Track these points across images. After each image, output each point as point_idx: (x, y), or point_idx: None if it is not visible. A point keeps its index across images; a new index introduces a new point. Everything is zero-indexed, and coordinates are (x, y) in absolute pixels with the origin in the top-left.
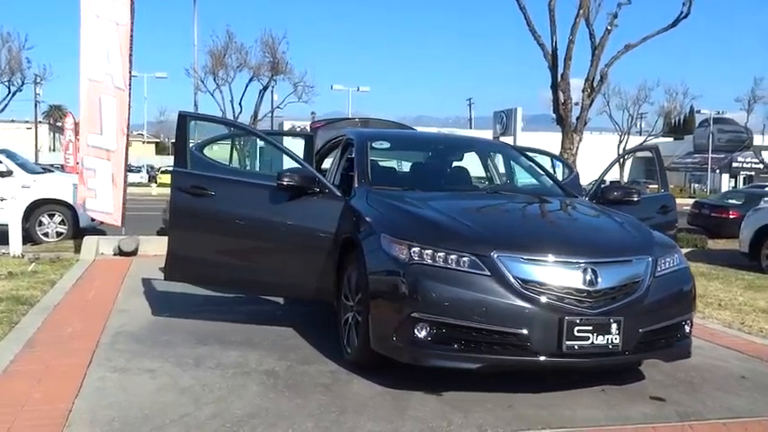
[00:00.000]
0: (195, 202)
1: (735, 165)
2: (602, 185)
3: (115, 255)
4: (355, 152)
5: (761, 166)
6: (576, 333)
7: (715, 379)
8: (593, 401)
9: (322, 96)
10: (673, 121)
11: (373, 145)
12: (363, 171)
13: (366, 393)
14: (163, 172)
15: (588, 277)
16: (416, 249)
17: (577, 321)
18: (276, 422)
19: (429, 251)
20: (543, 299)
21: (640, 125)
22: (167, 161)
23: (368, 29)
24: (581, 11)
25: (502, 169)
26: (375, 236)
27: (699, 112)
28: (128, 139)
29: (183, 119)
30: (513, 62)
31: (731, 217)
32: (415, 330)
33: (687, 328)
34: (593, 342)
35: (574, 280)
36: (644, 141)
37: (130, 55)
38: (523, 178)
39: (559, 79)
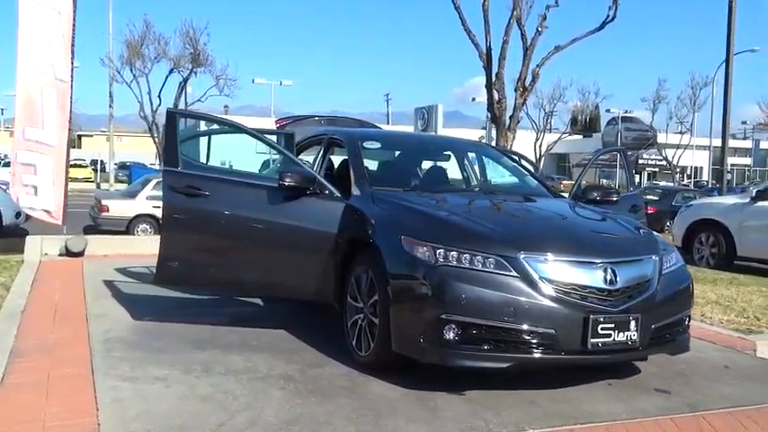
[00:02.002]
0: (189, 203)
1: (640, 161)
2: (581, 187)
3: (61, 255)
4: (349, 153)
5: (664, 162)
6: (599, 331)
7: (702, 370)
8: (606, 395)
9: (244, 90)
10: (581, 120)
11: (364, 145)
12: (361, 172)
13: (391, 395)
14: (72, 166)
15: (608, 276)
16: (441, 251)
17: (601, 320)
18: (317, 428)
19: (454, 253)
20: (568, 298)
21: (550, 123)
22: (75, 154)
23: (284, 23)
24: (514, 12)
25: (489, 169)
26: (393, 237)
27: (608, 111)
28: (70, 134)
29: (173, 116)
30: (428, 60)
31: (648, 212)
32: (444, 332)
33: (686, 323)
34: (614, 339)
35: (595, 279)
36: (558, 139)
37: (73, 45)
38: (501, 177)
39: (494, 78)
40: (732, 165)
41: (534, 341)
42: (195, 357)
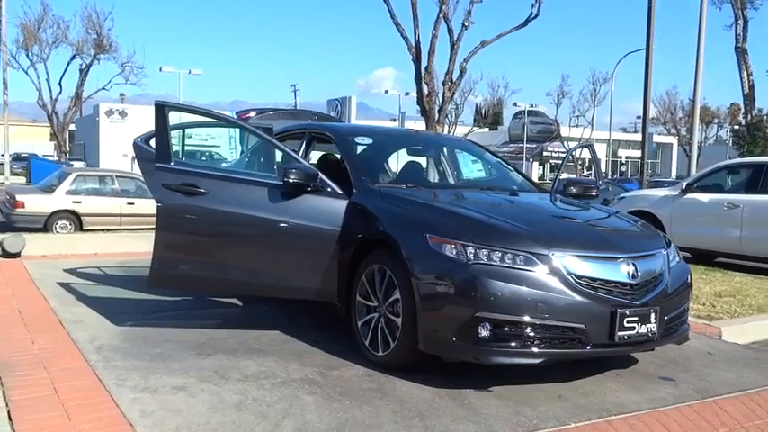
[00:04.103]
0: (186, 202)
1: (545, 154)
2: (563, 181)
3: None
4: (342, 149)
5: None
6: (625, 324)
7: (692, 357)
8: (620, 386)
9: (152, 79)
10: (487, 113)
11: (356, 140)
12: (360, 168)
13: (422, 395)
14: None
15: (631, 271)
16: (472, 249)
17: (627, 313)
18: None
19: (485, 250)
20: (596, 293)
21: (456, 116)
22: None
23: (185, 11)
24: (443, 6)
25: (475, 165)
26: (416, 236)
27: (515, 104)
28: None
29: (161, 109)
30: (331, 51)
31: None
32: (479, 329)
33: (687, 314)
34: (637, 331)
35: (619, 274)
36: (469, 131)
37: None
38: (487, 173)
39: (423, 72)
40: (627, 157)
41: (566, 336)
42: (204, 364)
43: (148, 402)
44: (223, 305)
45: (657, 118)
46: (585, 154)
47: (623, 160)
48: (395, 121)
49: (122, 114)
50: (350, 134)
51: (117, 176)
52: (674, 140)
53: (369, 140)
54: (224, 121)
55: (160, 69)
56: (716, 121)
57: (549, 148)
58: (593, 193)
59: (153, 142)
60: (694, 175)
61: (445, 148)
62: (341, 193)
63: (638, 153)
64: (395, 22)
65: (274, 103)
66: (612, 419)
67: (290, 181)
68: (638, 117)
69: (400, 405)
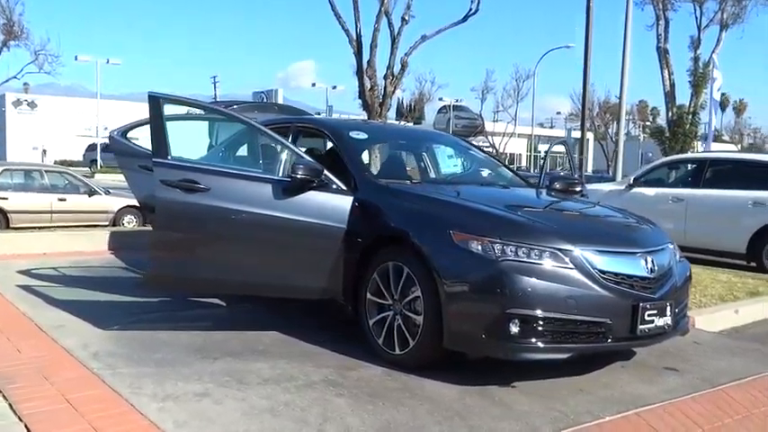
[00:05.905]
0: (186, 199)
1: None
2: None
3: None
4: (341, 145)
5: (491, 149)
6: (646, 317)
7: (682, 347)
8: (632, 378)
9: (68, 68)
10: (413, 108)
11: (351, 135)
12: (361, 164)
13: (451, 394)
14: None
15: (649, 265)
16: (499, 245)
17: (648, 306)
18: None
19: (512, 247)
20: (619, 288)
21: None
22: None
23: None
24: (384, 1)
25: (463, 160)
26: (438, 233)
27: (441, 99)
28: None
29: (156, 101)
30: (252, 45)
31: None
32: (510, 326)
33: (687, 308)
34: (656, 324)
35: (639, 268)
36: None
37: None
38: (476, 168)
39: (365, 66)
40: (545, 152)
41: (592, 330)
42: (214, 368)
43: (176, 411)
44: (204, 305)
45: (576, 114)
46: (509, 148)
47: (542, 155)
48: (320, 114)
49: (32, 105)
50: (346, 129)
51: (46, 171)
52: (589, 135)
53: (364, 135)
54: (220, 115)
55: (76, 58)
56: (627, 117)
57: (474, 143)
58: (578, 189)
59: (131, 135)
60: (640, 169)
61: (437, 144)
62: (345, 189)
63: (558, 148)
64: (336, 14)
65: (193, 95)
66: (641, 411)
67: (298, 177)
68: (558, 113)
69: (434, 405)
